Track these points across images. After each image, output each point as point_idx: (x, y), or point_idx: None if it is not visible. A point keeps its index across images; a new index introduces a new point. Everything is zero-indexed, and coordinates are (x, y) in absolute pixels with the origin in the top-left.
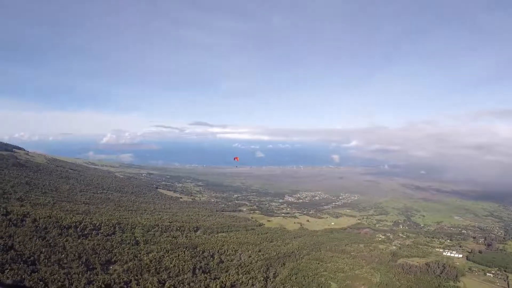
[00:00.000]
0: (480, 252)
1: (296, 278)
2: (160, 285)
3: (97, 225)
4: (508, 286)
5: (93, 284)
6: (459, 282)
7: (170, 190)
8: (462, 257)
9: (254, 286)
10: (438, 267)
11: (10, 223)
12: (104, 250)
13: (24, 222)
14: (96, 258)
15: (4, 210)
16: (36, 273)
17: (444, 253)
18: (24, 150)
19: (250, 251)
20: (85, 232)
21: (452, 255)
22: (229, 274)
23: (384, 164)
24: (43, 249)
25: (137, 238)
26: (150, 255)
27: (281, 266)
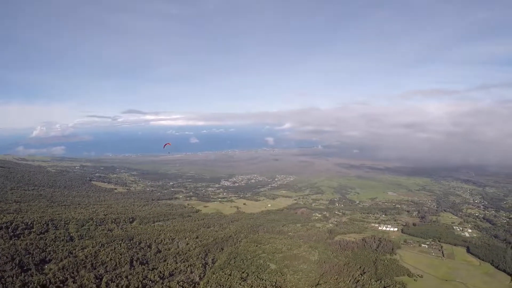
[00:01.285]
0: (414, 224)
1: (235, 262)
2: (97, 280)
3: (29, 223)
4: (443, 254)
5: (28, 286)
6: (395, 254)
7: (104, 182)
8: (397, 230)
9: (193, 273)
10: (375, 242)
11: None
12: (38, 249)
13: None
14: (30, 258)
15: None
16: None
17: (380, 228)
18: None
19: (187, 239)
20: (17, 232)
21: (387, 229)
22: (167, 263)
23: (318, 145)
24: None
25: (71, 234)
26: (86, 250)
27: (220, 251)
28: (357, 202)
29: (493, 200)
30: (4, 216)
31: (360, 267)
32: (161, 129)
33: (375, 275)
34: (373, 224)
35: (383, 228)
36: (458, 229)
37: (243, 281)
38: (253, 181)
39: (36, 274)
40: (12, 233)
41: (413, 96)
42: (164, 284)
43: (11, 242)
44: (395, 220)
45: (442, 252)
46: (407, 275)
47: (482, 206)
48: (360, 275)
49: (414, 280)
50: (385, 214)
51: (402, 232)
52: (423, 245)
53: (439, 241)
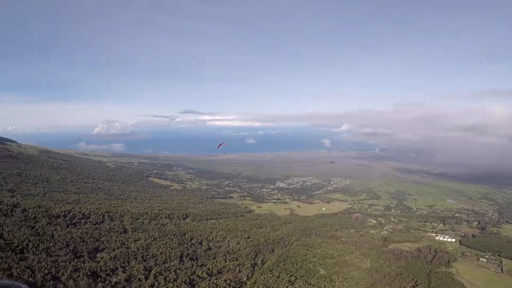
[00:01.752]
0: (473, 236)
1: (284, 265)
2: (146, 272)
3: (86, 214)
4: (502, 271)
5: (79, 272)
6: (451, 267)
7: (161, 179)
8: (455, 241)
9: (241, 273)
10: (430, 253)
11: (0, 213)
12: (92, 238)
13: (14, 212)
14: (84, 246)
15: None
16: (24, 261)
17: (436, 238)
18: (16, 142)
19: (238, 238)
20: (74, 221)
21: (444, 239)
22: (216, 261)
23: (376, 148)
24: (32, 238)
25: (125, 226)
26: (138, 242)
27: (270, 253)
28: (414, 209)
29: None
30: (63, 205)
31: (412, 278)
32: (217, 130)
33: None
34: (429, 234)
35: (440, 238)
36: None
37: (290, 284)
38: (308, 183)
39: (88, 261)
40: (69, 222)
41: (473, 97)
42: (211, 281)
43: (67, 230)
44: (453, 230)
45: (501, 268)
46: None
47: None
48: (412, 287)
49: None
50: (443, 223)
51: (460, 243)
52: (481, 259)
53: (499, 255)
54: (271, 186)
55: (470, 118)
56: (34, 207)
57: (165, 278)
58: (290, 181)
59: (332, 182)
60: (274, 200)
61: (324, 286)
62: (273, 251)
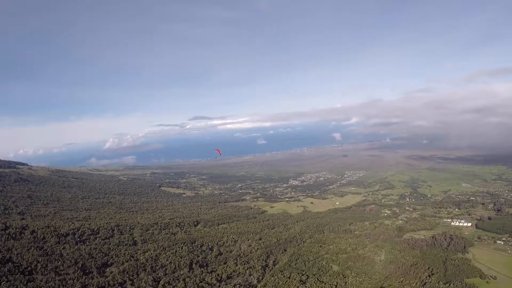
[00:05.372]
0: (489, 218)
1: (296, 264)
2: (154, 283)
3: (95, 229)
4: None
5: None
6: (468, 253)
7: (173, 187)
8: (471, 225)
9: (252, 276)
10: (445, 239)
11: (9, 237)
12: (101, 254)
13: (23, 234)
14: (93, 262)
15: (3, 225)
16: (32, 282)
17: (452, 223)
18: (27, 165)
19: (250, 240)
20: (83, 238)
21: (460, 224)
22: (226, 266)
23: (386, 138)
24: (40, 259)
25: (135, 239)
26: (147, 254)
27: (282, 253)
28: (429, 196)
29: None
30: (72, 223)
31: (428, 267)
32: (229, 133)
33: (444, 277)
34: (445, 220)
35: (455, 224)
36: None
37: (302, 284)
38: (321, 179)
39: (96, 277)
40: (78, 239)
41: (478, 77)
42: (221, 287)
43: (76, 247)
44: (468, 214)
45: None
46: (479, 276)
47: None
48: (428, 277)
49: (487, 282)
50: (459, 208)
51: (476, 227)
52: (498, 241)
53: None
54: (284, 185)
55: (479, 99)
56: (43, 228)
57: None
58: (303, 178)
59: (345, 176)
60: (287, 199)
61: (337, 283)
62: (285, 251)
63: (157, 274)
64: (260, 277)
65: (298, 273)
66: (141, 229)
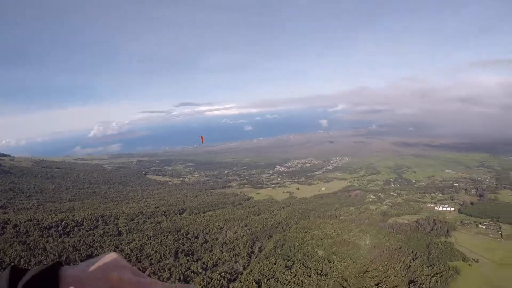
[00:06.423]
0: (472, 203)
1: (281, 250)
2: None
3: (79, 221)
4: (502, 236)
5: None
6: (450, 237)
7: (159, 175)
8: (454, 210)
9: (237, 263)
10: (429, 224)
11: None
12: (85, 246)
13: (5, 229)
14: (77, 255)
15: None
16: None
17: (436, 208)
18: (9, 156)
19: (236, 227)
20: (67, 230)
21: (443, 209)
22: (212, 254)
23: (372, 124)
24: (23, 253)
25: (119, 229)
26: (132, 244)
27: (268, 239)
28: (414, 181)
29: None
30: (55, 215)
31: (412, 251)
32: (216, 119)
33: (428, 260)
34: (429, 204)
35: (439, 209)
36: None
37: (287, 269)
38: (307, 164)
39: None
40: (61, 231)
41: (464, 68)
42: (206, 275)
43: (59, 240)
44: (452, 199)
45: (501, 233)
46: (462, 259)
47: None
48: (412, 260)
49: (469, 265)
50: (442, 193)
51: (459, 212)
52: (480, 226)
53: (497, 221)
54: (271, 171)
55: (463, 89)
56: (25, 221)
57: (158, 278)
58: (289, 164)
59: (331, 162)
60: (273, 185)
61: (322, 268)
62: (271, 237)
63: (143, 264)
64: (246, 264)
65: (284, 259)
66: (126, 218)
